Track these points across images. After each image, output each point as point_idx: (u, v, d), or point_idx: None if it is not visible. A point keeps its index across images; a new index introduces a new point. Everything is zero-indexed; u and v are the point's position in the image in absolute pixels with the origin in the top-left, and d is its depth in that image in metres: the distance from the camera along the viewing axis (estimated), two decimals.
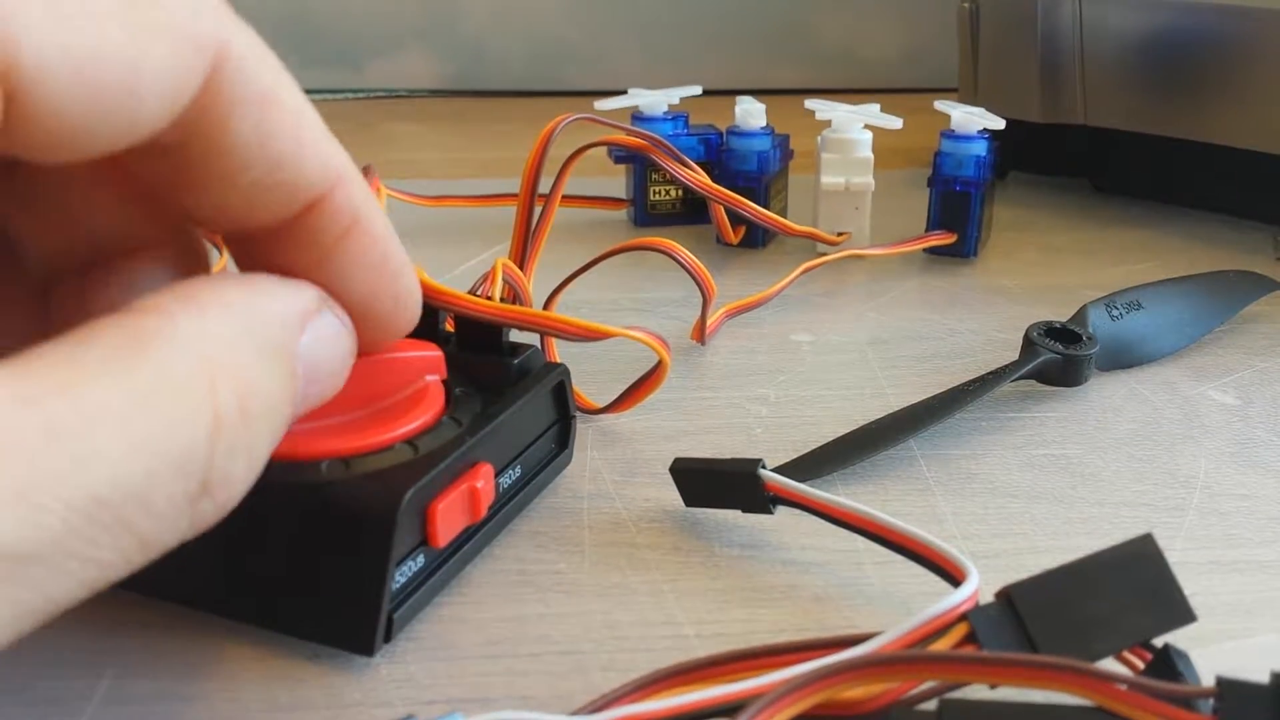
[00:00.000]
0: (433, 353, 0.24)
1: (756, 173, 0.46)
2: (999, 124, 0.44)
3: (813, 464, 0.29)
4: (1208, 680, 0.17)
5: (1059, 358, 0.32)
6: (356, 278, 0.20)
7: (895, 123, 0.44)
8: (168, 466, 0.15)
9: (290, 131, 0.18)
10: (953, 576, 0.21)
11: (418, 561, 0.22)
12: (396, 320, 0.21)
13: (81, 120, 0.15)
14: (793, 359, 0.36)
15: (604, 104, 0.46)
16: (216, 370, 0.16)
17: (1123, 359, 0.35)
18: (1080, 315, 0.35)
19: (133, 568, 0.16)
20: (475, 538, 0.24)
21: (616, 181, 0.51)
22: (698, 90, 0.49)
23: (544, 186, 0.36)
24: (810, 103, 0.46)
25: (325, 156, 0.19)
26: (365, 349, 0.21)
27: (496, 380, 0.26)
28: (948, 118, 0.45)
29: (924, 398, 0.31)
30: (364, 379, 0.23)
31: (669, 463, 0.27)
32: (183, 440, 0.15)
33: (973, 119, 0.44)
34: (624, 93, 0.48)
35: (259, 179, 0.18)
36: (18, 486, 0.13)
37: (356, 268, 0.20)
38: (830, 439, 0.30)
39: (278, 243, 0.19)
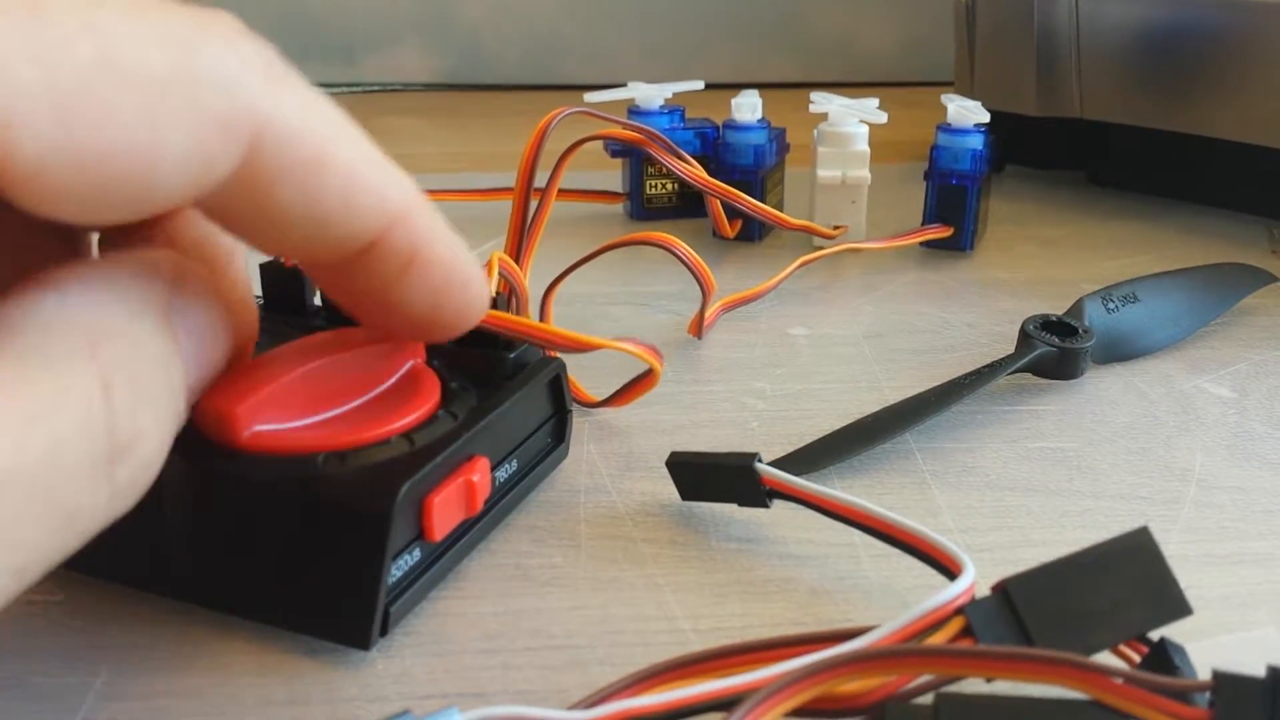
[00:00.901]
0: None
1: (753, 166, 0.46)
2: (984, 116, 0.44)
3: (809, 458, 0.29)
4: (1204, 673, 0.17)
5: (1055, 351, 0.32)
6: (420, 300, 0.21)
7: (880, 117, 0.44)
8: (70, 431, 0.15)
9: (338, 191, 0.18)
10: (949, 570, 0.21)
11: (414, 555, 0.22)
12: (461, 323, 0.22)
13: (83, 206, 0.15)
14: (789, 353, 0.36)
15: (593, 96, 0.46)
16: (92, 336, 0.16)
17: (1119, 352, 0.35)
18: (1076, 308, 0.35)
19: (66, 547, 0.16)
20: (471, 532, 0.24)
21: (613, 175, 0.51)
22: (699, 85, 0.49)
23: (540, 180, 0.36)
24: (814, 95, 0.45)
25: (379, 201, 0.19)
26: (426, 338, 0.22)
27: (492, 374, 0.26)
28: (944, 111, 0.45)
29: (920, 391, 0.31)
30: (356, 371, 0.23)
31: (665, 456, 0.27)
32: (77, 404, 0.15)
33: (966, 113, 0.44)
34: (623, 85, 0.48)
35: (309, 234, 0.18)
36: None
37: (419, 292, 0.20)
38: (826, 432, 0.30)
39: (343, 272, 0.20)
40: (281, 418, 0.22)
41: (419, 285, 0.20)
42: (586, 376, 0.32)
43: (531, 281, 0.35)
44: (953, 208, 0.44)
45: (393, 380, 0.24)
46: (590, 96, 0.46)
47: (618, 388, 0.31)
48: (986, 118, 0.44)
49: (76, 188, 0.15)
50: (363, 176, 0.18)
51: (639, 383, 0.30)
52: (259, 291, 0.26)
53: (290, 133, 0.17)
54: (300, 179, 0.17)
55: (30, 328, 0.16)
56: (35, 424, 0.15)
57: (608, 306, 0.39)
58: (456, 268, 0.21)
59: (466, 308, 0.21)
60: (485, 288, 0.22)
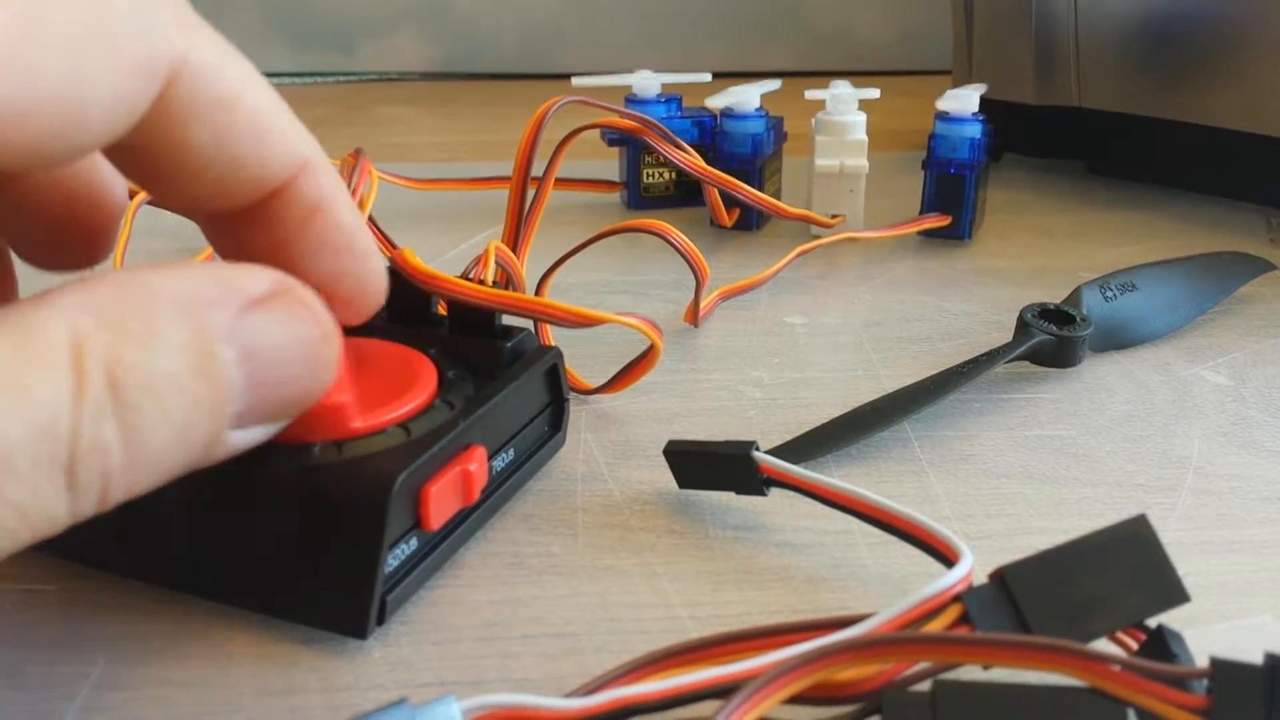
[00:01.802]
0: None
1: (750, 155, 0.45)
2: (974, 103, 0.44)
3: (806, 446, 0.29)
4: (1201, 661, 0.17)
5: (1053, 339, 0.32)
6: (319, 260, 0.20)
7: (872, 93, 0.44)
8: (26, 428, 0.15)
9: (250, 131, 0.19)
10: (946, 558, 0.21)
11: (410, 545, 0.22)
12: (360, 302, 0.22)
13: (20, 153, 0.15)
14: (787, 341, 0.36)
15: (582, 80, 0.46)
16: (85, 339, 0.16)
17: (1116, 340, 0.35)
18: (1074, 297, 0.35)
19: (19, 541, 0.16)
20: (468, 521, 0.24)
21: (610, 164, 0.51)
22: (707, 77, 0.49)
23: (537, 169, 0.36)
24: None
25: (289, 147, 0.19)
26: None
27: (489, 363, 0.26)
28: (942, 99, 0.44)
29: (918, 379, 0.31)
30: (352, 361, 0.23)
31: (663, 445, 0.27)
32: (42, 402, 0.15)
33: (964, 100, 0.44)
34: (629, 74, 0.48)
35: (221, 175, 0.19)
36: None
37: (319, 251, 0.20)
38: (824, 421, 0.30)
39: (245, 224, 0.20)
40: None
41: (319, 243, 0.20)
42: (583, 364, 0.32)
43: (528, 270, 0.35)
44: (951, 196, 0.44)
45: (389, 370, 0.24)
46: (579, 81, 0.46)
47: (614, 372, 0.30)
48: (980, 91, 0.44)
49: (12, 138, 0.15)
50: (273, 119, 0.19)
51: (638, 364, 0.30)
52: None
53: (205, 71, 0.18)
54: (214, 117, 0.18)
55: (23, 324, 0.16)
56: None
57: (605, 295, 0.39)
58: (358, 235, 0.21)
59: (365, 280, 0.21)
60: (383, 270, 0.22)
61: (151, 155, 0.18)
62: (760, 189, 0.45)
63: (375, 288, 0.22)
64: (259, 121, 0.19)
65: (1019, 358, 0.32)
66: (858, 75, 0.51)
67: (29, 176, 0.20)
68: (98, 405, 0.16)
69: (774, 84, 0.48)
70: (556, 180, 0.37)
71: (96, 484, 0.16)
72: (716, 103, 0.46)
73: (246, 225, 0.20)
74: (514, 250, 0.36)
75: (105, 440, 0.16)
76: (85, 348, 0.16)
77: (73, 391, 0.15)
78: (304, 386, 0.19)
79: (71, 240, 0.21)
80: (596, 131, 0.42)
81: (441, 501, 0.22)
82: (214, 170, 0.18)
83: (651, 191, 0.49)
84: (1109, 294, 0.35)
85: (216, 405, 0.18)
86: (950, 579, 0.19)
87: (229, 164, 0.19)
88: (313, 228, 0.20)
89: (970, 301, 0.39)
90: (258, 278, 0.19)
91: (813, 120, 0.45)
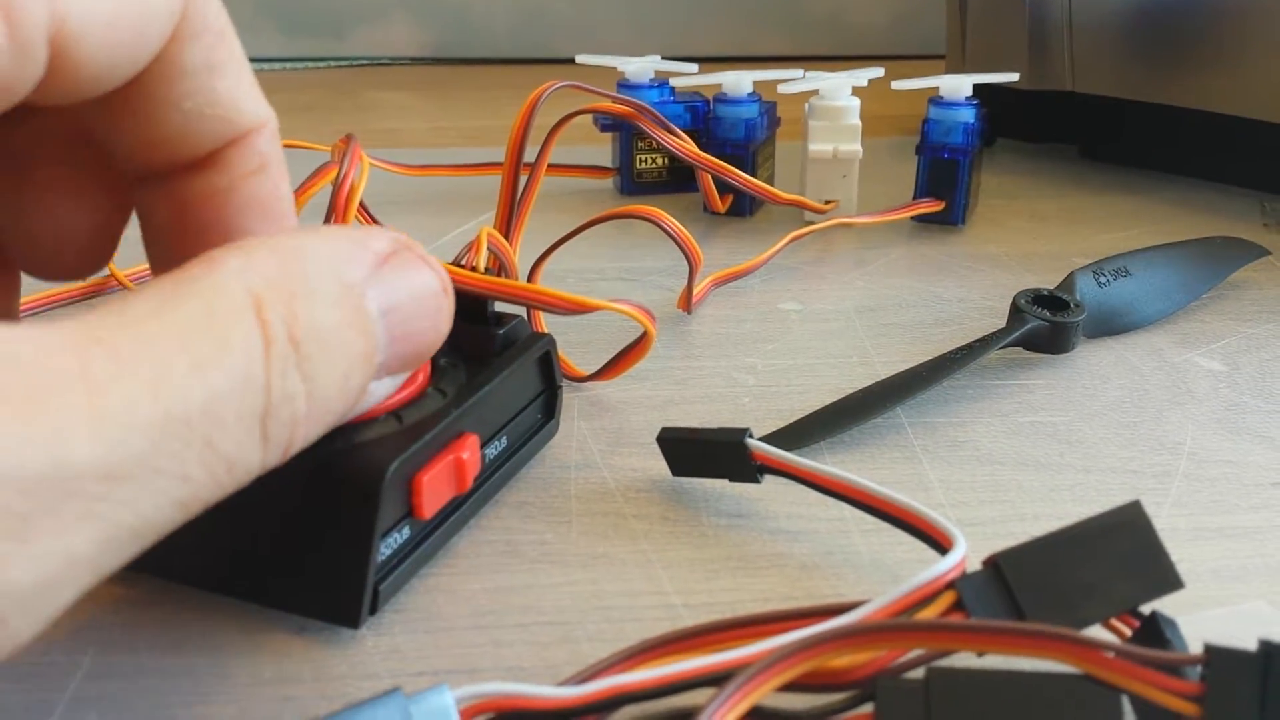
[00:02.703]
0: None
1: (743, 140, 0.45)
2: (967, 88, 0.43)
3: (800, 433, 0.29)
4: (1195, 647, 0.17)
5: (1046, 325, 0.32)
6: (249, 219, 0.21)
7: (878, 72, 0.44)
8: (230, 384, 0.16)
9: (234, 70, 0.20)
10: (940, 544, 0.21)
11: (403, 533, 0.22)
12: None
13: (107, 65, 0.17)
14: (780, 328, 0.36)
15: (585, 58, 0.46)
16: (262, 297, 0.17)
17: (1110, 326, 0.35)
18: (1068, 282, 0.35)
19: (224, 489, 0.17)
20: (461, 509, 0.24)
21: (603, 150, 0.50)
22: (693, 69, 0.49)
23: (529, 155, 0.36)
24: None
25: (257, 101, 0.20)
26: None
27: (482, 351, 0.26)
28: (935, 85, 0.44)
29: (911, 366, 0.31)
30: None
31: (656, 432, 0.27)
32: (238, 359, 0.16)
33: (960, 84, 0.43)
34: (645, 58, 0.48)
35: (198, 108, 0.19)
36: (101, 411, 0.14)
37: (252, 209, 0.21)
38: (818, 408, 0.30)
39: (187, 176, 0.20)
40: None
41: (255, 202, 0.21)
42: (576, 351, 0.32)
43: (520, 257, 0.35)
44: (944, 182, 0.44)
45: None
46: (582, 58, 0.46)
47: (607, 359, 0.30)
48: (969, 89, 0.44)
49: (102, 50, 0.17)
50: (248, 71, 0.20)
51: (631, 351, 0.30)
52: None
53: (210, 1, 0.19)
54: (209, 45, 0.19)
55: (203, 280, 0.16)
56: (201, 373, 0.16)
57: (597, 282, 0.39)
58: (290, 210, 0.21)
59: None
60: None
61: (143, 84, 0.19)
62: (753, 174, 0.45)
63: None
64: (241, 66, 0.20)
65: (1013, 344, 0.32)
66: (851, 60, 0.51)
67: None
68: (283, 358, 0.17)
69: (797, 74, 0.46)
70: (549, 166, 0.37)
71: (285, 434, 0.17)
72: (690, 84, 0.46)
73: (187, 176, 0.20)
74: (506, 236, 0.35)
75: (293, 391, 0.17)
76: (265, 304, 0.17)
77: (263, 345, 0.16)
78: (431, 337, 0.20)
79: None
80: (589, 117, 0.42)
81: (434, 490, 0.22)
82: (194, 99, 0.19)
83: (644, 177, 0.49)
84: (1102, 279, 0.35)
85: (368, 355, 0.19)
86: (944, 566, 0.19)
87: (209, 97, 0.19)
88: (253, 183, 0.21)
89: (964, 287, 0.39)
90: (381, 235, 0.20)
91: (806, 105, 0.45)
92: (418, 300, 0.20)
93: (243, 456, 0.17)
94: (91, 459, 0.14)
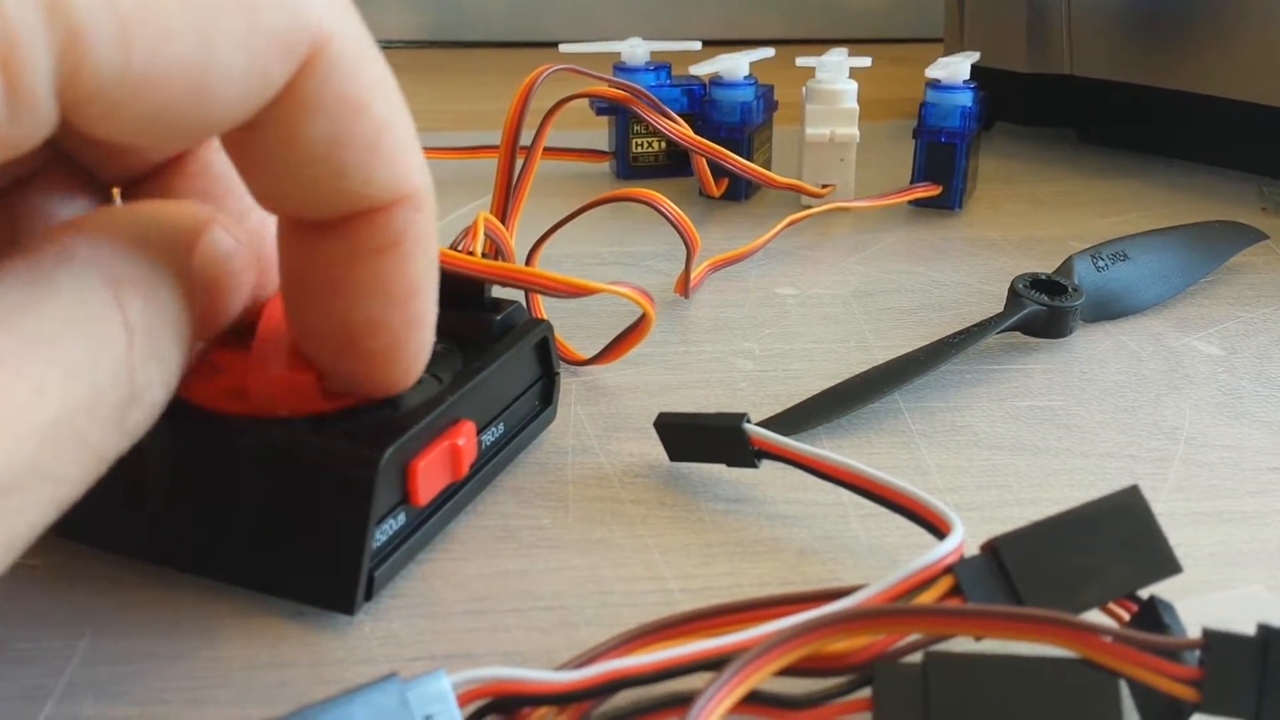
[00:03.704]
0: None
1: (740, 124, 0.45)
2: (965, 71, 0.43)
3: (797, 418, 0.28)
4: (1194, 631, 0.17)
5: (1044, 309, 0.32)
6: (370, 302, 0.19)
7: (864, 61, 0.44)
8: (105, 379, 0.16)
9: (366, 144, 0.17)
10: (938, 529, 0.21)
11: (399, 520, 0.22)
12: (381, 366, 0.20)
13: (143, 125, 0.15)
14: (777, 312, 0.36)
15: (570, 48, 0.46)
16: (119, 286, 0.17)
17: (1108, 310, 0.35)
18: (1066, 267, 0.34)
19: (90, 483, 0.17)
20: (458, 495, 0.24)
21: (599, 134, 0.50)
22: (697, 45, 0.48)
23: (525, 139, 0.36)
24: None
25: (399, 174, 0.18)
26: (342, 386, 0.21)
27: (478, 336, 0.25)
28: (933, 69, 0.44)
29: (909, 350, 0.31)
30: None
31: (653, 417, 0.27)
32: (110, 353, 0.16)
33: (955, 68, 0.43)
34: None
35: (319, 178, 0.17)
36: None
37: (373, 289, 0.19)
38: (815, 392, 0.30)
39: (313, 236, 0.19)
40: None
41: (378, 284, 0.19)
42: (574, 335, 0.32)
43: (517, 241, 0.35)
44: (942, 165, 0.44)
45: None
46: (566, 48, 0.46)
47: (606, 343, 0.30)
48: (971, 59, 0.43)
49: (134, 108, 0.14)
50: (394, 138, 0.18)
51: (630, 334, 0.30)
52: None
53: (341, 63, 0.16)
54: (336, 115, 0.17)
55: (65, 278, 0.16)
56: (79, 373, 0.16)
57: (594, 266, 0.39)
58: (421, 298, 0.20)
59: (393, 347, 0.20)
60: (430, 338, 0.21)
61: (252, 143, 0.17)
62: (750, 158, 0.44)
63: (411, 363, 0.21)
64: (380, 136, 0.17)
65: (1010, 328, 0.32)
66: (849, 43, 0.51)
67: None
68: (143, 349, 0.17)
69: (767, 52, 0.47)
70: (545, 150, 0.37)
71: (143, 421, 0.18)
72: (702, 69, 0.45)
73: (313, 237, 0.19)
74: (503, 220, 0.35)
75: (150, 379, 0.17)
76: (124, 297, 0.17)
77: (125, 335, 0.17)
78: (229, 312, 0.20)
79: None
80: (585, 100, 0.41)
81: (429, 476, 0.22)
82: (314, 170, 0.17)
83: (641, 161, 0.49)
84: (1100, 264, 0.35)
85: (192, 334, 0.19)
86: (941, 550, 0.19)
87: (333, 170, 0.17)
88: (379, 262, 0.19)
89: (961, 272, 0.39)
90: (194, 210, 0.19)
91: (803, 89, 0.45)
92: (224, 275, 0.19)
93: (109, 449, 0.17)
94: None
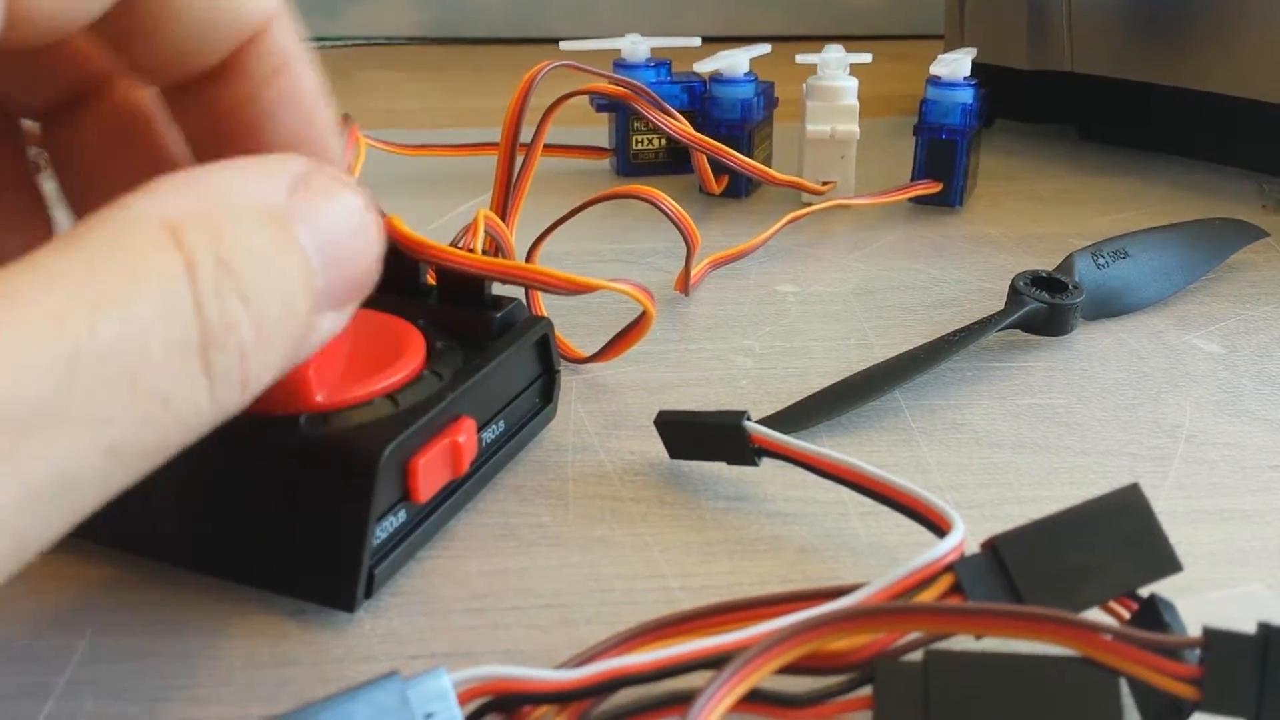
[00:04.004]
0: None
1: (740, 121, 0.45)
2: (965, 68, 0.43)
3: (798, 415, 0.28)
4: (1194, 630, 0.17)
5: (1045, 307, 0.32)
6: (283, 120, 0.20)
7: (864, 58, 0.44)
8: (149, 312, 0.15)
9: None
10: (938, 527, 0.21)
11: (399, 517, 0.22)
12: None
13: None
14: (777, 310, 0.36)
15: (570, 45, 0.46)
16: (178, 224, 0.16)
17: (1109, 308, 0.35)
18: (1066, 264, 0.34)
19: (169, 430, 0.15)
20: (458, 493, 0.24)
21: (599, 131, 0.50)
22: (696, 41, 0.48)
23: (525, 136, 0.36)
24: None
25: None
26: None
27: (479, 334, 0.25)
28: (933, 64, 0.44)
29: (909, 348, 0.31)
30: (341, 332, 0.23)
31: (653, 415, 0.27)
32: (154, 286, 0.15)
33: (956, 65, 0.43)
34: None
35: (199, 19, 0.18)
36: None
37: (284, 109, 0.20)
38: (815, 390, 0.30)
39: (210, 88, 0.20)
40: None
41: (283, 103, 0.20)
42: (574, 333, 0.32)
43: (517, 238, 0.35)
44: (942, 162, 0.44)
45: (377, 340, 0.24)
46: (567, 45, 0.45)
47: (606, 341, 0.30)
48: (967, 69, 0.43)
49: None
50: None
51: (631, 331, 0.30)
52: None
53: None
54: None
55: (111, 221, 0.16)
56: (104, 308, 0.14)
57: (594, 264, 0.39)
58: (320, 104, 0.20)
59: (323, 153, 0.20)
60: (342, 144, 0.21)
61: (131, 9, 0.18)
62: (750, 155, 0.44)
63: (333, 160, 0.21)
64: None
65: (1011, 326, 0.32)
66: (849, 39, 0.51)
67: None
68: (212, 280, 0.16)
69: (764, 48, 0.47)
70: (545, 146, 0.37)
71: (233, 365, 0.16)
72: (704, 67, 0.45)
73: (212, 88, 0.20)
74: (503, 217, 0.35)
75: (232, 317, 0.16)
76: (182, 229, 0.16)
77: (184, 267, 0.15)
78: (364, 259, 0.19)
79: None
80: (585, 97, 0.41)
81: (430, 474, 0.22)
82: (191, 15, 0.18)
83: (641, 158, 0.49)
84: (1101, 261, 0.35)
85: (306, 279, 0.18)
86: (942, 549, 0.19)
87: (208, 4, 0.18)
88: (279, 81, 0.20)
89: (962, 269, 0.39)
90: (294, 158, 0.19)
91: (804, 85, 0.45)
92: (343, 219, 0.19)
93: (182, 392, 0.15)
94: None
